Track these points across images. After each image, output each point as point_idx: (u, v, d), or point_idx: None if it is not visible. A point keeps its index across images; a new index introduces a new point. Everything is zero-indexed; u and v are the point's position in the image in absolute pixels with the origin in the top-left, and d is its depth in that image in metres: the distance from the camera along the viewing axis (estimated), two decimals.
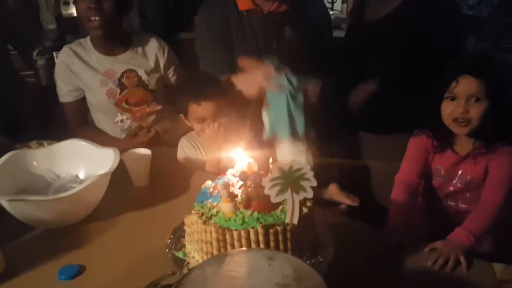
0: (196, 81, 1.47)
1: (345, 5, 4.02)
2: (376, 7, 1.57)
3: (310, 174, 0.81)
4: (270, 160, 0.89)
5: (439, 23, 1.46)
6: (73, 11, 3.43)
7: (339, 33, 3.40)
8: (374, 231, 1.16)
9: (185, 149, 1.54)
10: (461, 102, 1.19)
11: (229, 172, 0.94)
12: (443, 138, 1.28)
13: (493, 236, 1.25)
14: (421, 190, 1.35)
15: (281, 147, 1.39)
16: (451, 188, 1.30)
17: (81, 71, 1.63)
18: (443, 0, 1.52)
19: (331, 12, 4.79)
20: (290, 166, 0.81)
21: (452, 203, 1.32)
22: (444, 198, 1.33)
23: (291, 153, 1.35)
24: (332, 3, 6.10)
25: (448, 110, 1.22)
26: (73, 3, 1.63)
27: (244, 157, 0.92)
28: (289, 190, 0.82)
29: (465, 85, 1.19)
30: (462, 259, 1.02)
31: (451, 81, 1.20)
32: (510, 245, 1.27)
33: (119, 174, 1.28)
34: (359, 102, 1.59)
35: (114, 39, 1.62)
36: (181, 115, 1.51)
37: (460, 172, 1.28)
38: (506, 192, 1.18)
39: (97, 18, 1.52)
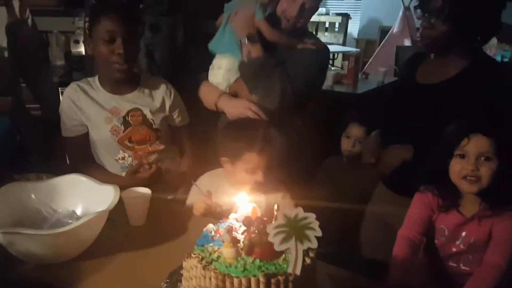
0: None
1: (346, 62, 4.12)
2: (433, 71, 1.57)
3: (315, 224, 0.80)
4: (275, 206, 0.89)
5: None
6: (82, 49, 3.52)
7: (339, 88, 3.53)
8: (375, 285, 1.13)
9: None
10: (472, 160, 1.19)
11: (232, 216, 0.93)
12: (449, 198, 1.27)
13: None
14: (422, 247, 1.33)
15: None
16: (454, 249, 1.28)
17: (87, 107, 1.64)
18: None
19: (331, 68, 4.94)
20: (296, 214, 0.80)
21: (454, 264, 1.30)
22: (446, 258, 1.30)
23: None
24: (333, 59, 6.32)
25: (458, 168, 1.21)
26: (87, 44, 1.64)
27: (248, 202, 0.91)
28: (293, 238, 0.80)
29: (476, 143, 1.19)
30: None
31: (462, 138, 1.21)
32: None
33: (116, 212, 1.26)
34: (390, 167, 1.59)
35: (124, 80, 1.65)
36: (224, 158, 1.47)
37: (464, 234, 1.26)
38: (510, 257, 1.16)
39: (124, 63, 1.57)
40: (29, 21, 1.94)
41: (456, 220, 1.26)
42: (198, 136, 1.85)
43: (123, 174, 1.64)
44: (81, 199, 1.31)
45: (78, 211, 1.31)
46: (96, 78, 1.69)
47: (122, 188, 1.34)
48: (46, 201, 1.30)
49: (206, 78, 1.83)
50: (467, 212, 1.25)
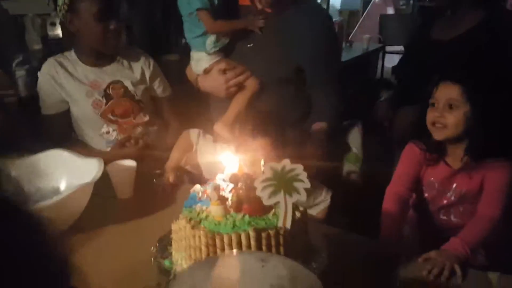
0: None
1: None
2: (446, 29, 1.57)
3: (303, 175, 0.78)
4: (262, 162, 0.87)
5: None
6: (59, 32, 3.43)
7: None
8: (368, 241, 1.13)
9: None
10: (440, 106, 1.19)
11: (219, 177, 0.91)
12: (435, 150, 1.27)
13: (486, 250, 1.23)
14: (412, 203, 1.33)
15: None
16: (445, 201, 1.28)
17: (66, 82, 1.59)
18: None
19: None
20: (283, 166, 0.78)
21: (444, 217, 1.30)
22: (436, 211, 1.31)
23: None
24: None
25: (430, 116, 1.21)
26: (68, 21, 1.56)
27: (234, 161, 0.89)
28: (282, 192, 0.79)
29: (444, 91, 1.19)
30: (457, 268, 1.00)
31: (433, 87, 1.21)
32: (503, 258, 1.24)
33: (103, 186, 1.24)
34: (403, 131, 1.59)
35: (102, 52, 1.60)
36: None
37: (454, 186, 1.26)
38: (503, 207, 1.16)
39: (118, 38, 1.55)
40: None
41: (445, 173, 1.26)
42: (182, 107, 1.82)
43: (108, 149, 1.60)
44: (65, 174, 1.28)
45: (62, 187, 1.28)
46: (72, 51, 1.64)
47: (108, 163, 1.31)
48: (29, 178, 1.27)
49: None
50: (455, 164, 1.25)
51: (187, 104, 1.85)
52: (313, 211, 1.46)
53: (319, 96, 1.62)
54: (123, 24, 1.58)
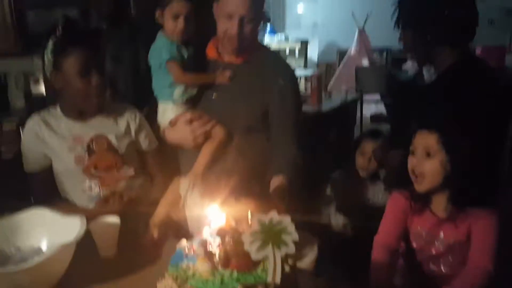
0: None
1: (309, 84, 4.18)
2: (424, 76, 1.69)
3: (291, 227, 0.78)
4: (249, 213, 0.86)
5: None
6: (42, 89, 3.44)
7: (304, 108, 3.57)
8: None
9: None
10: (418, 154, 1.21)
11: (206, 231, 0.90)
12: (419, 199, 1.27)
13: None
14: (401, 251, 1.32)
15: None
16: (433, 252, 1.27)
17: (49, 138, 1.59)
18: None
19: None
20: (271, 219, 0.78)
21: (434, 267, 1.29)
22: (426, 261, 1.30)
23: None
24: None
25: (409, 163, 1.23)
26: (53, 76, 1.58)
27: (221, 214, 0.89)
28: (270, 245, 0.78)
29: (421, 139, 1.21)
30: None
31: (412, 135, 1.24)
32: None
33: (85, 244, 1.21)
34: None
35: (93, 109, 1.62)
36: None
37: (441, 236, 1.25)
38: (493, 257, 1.16)
39: (101, 94, 1.57)
40: None
41: (431, 222, 1.26)
42: (168, 160, 1.81)
43: (91, 205, 1.57)
44: (46, 233, 1.25)
45: (44, 247, 1.24)
46: (58, 107, 1.65)
47: (91, 220, 1.29)
48: (8, 238, 1.23)
49: None
50: (440, 213, 1.25)
51: (173, 157, 1.84)
52: (301, 263, 1.44)
53: (278, 147, 1.64)
54: (106, 80, 1.59)
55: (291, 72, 1.79)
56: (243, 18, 1.56)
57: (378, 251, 1.25)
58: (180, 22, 1.61)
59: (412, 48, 1.64)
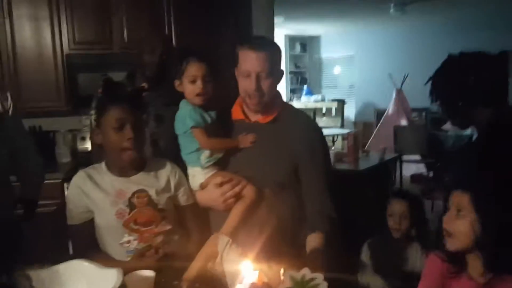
0: None
1: (345, 142, 4.22)
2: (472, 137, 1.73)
3: (324, 285, 0.77)
4: (281, 270, 0.86)
5: None
6: (88, 145, 3.64)
7: (341, 166, 3.57)
8: None
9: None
10: (451, 213, 1.21)
11: (239, 287, 0.90)
12: (455, 261, 1.23)
13: None
14: None
15: None
16: None
17: (93, 192, 1.66)
18: None
19: (332, 148, 5.05)
20: (303, 275, 0.78)
21: None
22: None
23: None
24: (333, 141, 6.48)
25: (443, 222, 1.22)
26: (95, 134, 1.70)
27: (252, 270, 0.89)
28: None
29: (455, 198, 1.21)
30: None
31: (448, 193, 1.24)
32: None
33: None
34: None
35: (133, 164, 1.69)
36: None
37: None
38: None
39: (135, 149, 1.63)
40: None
41: (469, 287, 1.21)
42: (205, 216, 1.84)
43: (128, 259, 1.60)
44: (84, 285, 1.28)
45: None
46: (103, 163, 1.73)
47: (127, 273, 1.31)
48: None
49: None
50: (478, 278, 1.19)
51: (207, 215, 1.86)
52: None
53: (311, 203, 1.65)
54: (141, 136, 1.66)
55: (318, 127, 1.84)
56: (260, 74, 1.64)
57: None
58: (198, 85, 1.68)
59: (449, 115, 1.69)
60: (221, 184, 1.68)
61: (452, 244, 1.19)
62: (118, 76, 2.96)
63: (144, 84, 2.26)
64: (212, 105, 1.74)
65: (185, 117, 1.69)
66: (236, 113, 1.80)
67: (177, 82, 1.73)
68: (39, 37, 3.38)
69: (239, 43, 1.71)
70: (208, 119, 1.71)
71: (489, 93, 1.55)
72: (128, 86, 2.28)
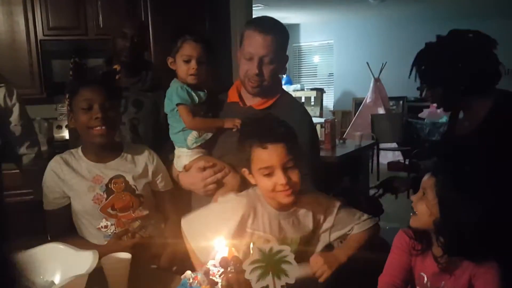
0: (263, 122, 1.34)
1: (323, 130, 4.25)
2: (464, 124, 1.65)
3: (291, 257, 0.81)
4: (251, 245, 0.89)
5: None
6: (65, 134, 3.59)
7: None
8: None
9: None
10: (419, 194, 1.26)
11: (210, 263, 0.93)
12: (421, 239, 1.27)
13: None
14: None
15: None
16: None
17: (70, 178, 1.66)
18: None
19: None
20: (271, 248, 0.81)
21: None
22: None
23: None
24: None
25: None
26: (69, 118, 1.70)
27: (225, 246, 0.92)
28: (270, 274, 0.81)
29: (424, 179, 1.26)
30: None
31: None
32: None
33: (97, 282, 1.24)
34: None
35: (107, 148, 1.70)
36: (244, 169, 1.36)
37: (443, 284, 1.24)
38: None
39: (103, 127, 1.61)
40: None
41: (433, 269, 1.24)
42: (183, 202, 1.85)
43: (105, 243, 1.61)
44: (60, 268, 1.29)
45: (57, 281, 1.27)
46: (79, 148, 1.73)
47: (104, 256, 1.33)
48: (24, 273, 1.27)
49: None
50: (440, 259, 1.23)
51: (188, 199, 1.87)
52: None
53: None
54: (112, 114, 1.64)
55: (311, 120, 1.81)
56: (263, 59, 1.59)
57: None
58: (193, 65, 1.65)
59: (437, 101, 1.66)
60: (203, 169, 1.66)
61: (413, 222, 1.25)
62: (95, 62, 2.93)
63: (117, 66, 2.25)
64: (203, 86, 1.71)
65: (172, 94, 1.67)
66: (232, 95, 1.75)
67: (170, 59, 1.70)
68: (12, 23, 3.30)
69: (245, 23, 1.68)
70: (196, 99, 1.68)
71: (476, 76, 1.52)
72: (103, 69, 2.27)
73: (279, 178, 1.23)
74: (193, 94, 1.68)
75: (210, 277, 0.86)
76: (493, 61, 1.55)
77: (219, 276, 0.87)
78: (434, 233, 1.22)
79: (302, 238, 1.33)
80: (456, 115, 1.73)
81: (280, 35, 1.64)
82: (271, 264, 0.81)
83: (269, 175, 1.25)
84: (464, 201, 1.16)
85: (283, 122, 1.33)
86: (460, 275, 1.20)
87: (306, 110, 1.84)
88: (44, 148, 3.59)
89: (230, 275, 0.84)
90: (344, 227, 1.38)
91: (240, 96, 1.74)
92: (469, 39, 1.56)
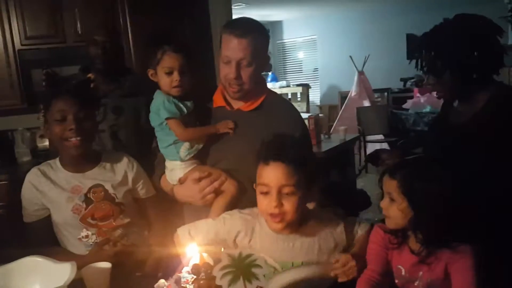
0: None
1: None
2: (459, 113, 1.62)
3: (261, 260, 0.81)
4: (222, 249, 0.90)
5: None
6: (47, 143, 3.56)
7: None
8: None
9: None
10: (385, 198, 1.25)
11: (184, 269, 0.93)
12: (396, 233, 1.27)
13: None
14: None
15: None
16: None
17: (48, 190, 1.65)
18: None
19: None
20: (240, 252, 0.81)
21: None
22: None
23: None
24: None
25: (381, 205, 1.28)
26: (45, 129, 1.69)
27: (198, 252, 0.92)
28: (241, 278, 0.81)
29: (385, 184, 1.26)
30: None
31: (380, 179, 1.28)
32: None
33: None
34: None
35: (85, 158, 1.68)
36: (255, 184, 1.31)
37: (420, 274, 1.25)
38: None
39: (78, 138, 1.59)
40: None
41: (410, 260, 1.26)
42: (166, 207, 1.84)
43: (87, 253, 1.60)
44: (38, 280, 1.28)
45: None
46: (57, 159, 1.72)
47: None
48: (2, 286, 1.27)
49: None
50: (416, 250, 1.24)
51: (172, 205, 1.86)
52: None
53: None
54: (86, 125, 1.62)
55: (301, 117, 1.78)
56: (240, 62, 1.55)
57: (361, 285, 1.25)
58: (175, 77, 1.57)
59: (442, 89, 1.59)
60: (199, 179, 1.59)
61: (389, 224, 1.25)
62: (75, 69, 2.91)
63: (90, 75, 2.23)
64: (188, 95, 1.63)
65: (159, 109, 1.58)
66: (218, 100, 1.69)
67: (150, 71, 1.62)
68: None
69: (222, 26, 1.61)
70: (184, 110, 1.60)
71: (485, 63, 1.49)
72: (78, 79, 2.25)
73: (271, 200, 1.20)
74: (181, 105, 1.60)
75: (182, 284, 0.86)
76: (499, 48, 1.52)
77: (191, 283, 0.87)
78: (411, 229, 1.23)
79: (306, 262, 1.30)
80: (451, 104, 1.69)
81: (258, 36, 1.59)
82: (241, 268, 0.81)
83: (266, 194, 1.22)
84: (434, 192, 1.17)
85: (298, 146, 1.30)
86: (436, 263, 1.21)
87: (294, 107, 1.82)
88: (28, 158, 3.59)
89: (201, 282, 0.84)
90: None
91: (226, 100, 1.69)
92: (479, 23, 1.52)
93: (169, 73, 1.57)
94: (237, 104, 1.68)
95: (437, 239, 1.19)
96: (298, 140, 1.42)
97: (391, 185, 1.22)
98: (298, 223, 1.26)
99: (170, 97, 1.59)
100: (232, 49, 1.55)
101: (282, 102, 1.80)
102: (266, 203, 1.19)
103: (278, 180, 1.18)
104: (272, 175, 1.20)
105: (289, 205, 1.18)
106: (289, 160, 1.18)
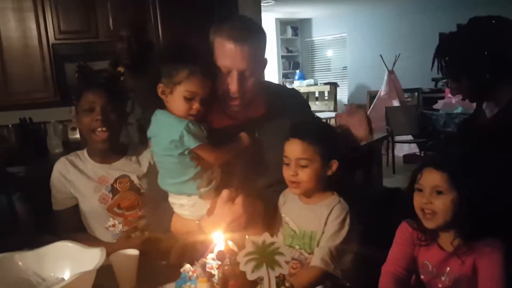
0: None
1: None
2: (485, 113, 1.62)
3: (284, 248, 0.82)
4: (247, 236, 0.91)
5: None
6: (78, 135, 3.66)
7: None
8: None
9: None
10: (426, 193, 1.21)
11: (209, 256, 0.94)
12: (427, 231, 1.25)
13: None
14: (412, 284, 1.30)
15: None
16: (440, 285, 1.24)
17: (76, 179, 1.70)
18: None
19: None
20: (263, 240, 0.82)
21: None
22: None
23: None
24: None
25: (416, 201, 1.23)
26: (75, 120, 1.74)
27: (223, 239, 0.93)
28: (264, 265, 0.82)
29: (428, 177, 1.21)
30: None
31: (419, 172, 1.24)
32: None
33: (107, 279, 1.26)
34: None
35: (112, 150, 1.73)
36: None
37: (448, 269, 1.23)
38: None
39: (104, 129, 1.64)
40: None
41: (438, 256, 1.24)
42: None
43: (114, 241, 1.65)
44: (69, 265, 1.31)
45: (66, 277, 1.31)
46: (85, 150, 1.77)
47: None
48: (35, 270, 1.31)
49: None
50: (447, 247, 1.23)
51: None
52: None
53: None
54: (113, 117, 1.65)
55: (302, 98, 1.76)
56: (244, 72, 1.36)
57: (385, 280, 1.23)
58: (195, 105, 1.33)
59: (463, 92, 1.61)
60: (232, 199, 1.35)
61: (432, 223, 1.20)
62: (106, 64, 2.98)
63: (120, 68, 2.28)
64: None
65: (182, 136, 1.29)
66: (224, 119, 1.47)
67: (162, 87, 1.36)
68: (24, 28, 3.39)
69: (213, 28, 1.40)
70: (205, 133, 1.35)
71: (502, 63, 1.48)
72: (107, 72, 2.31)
73: (290, 170, 1.36)
74: (202, 127, 1.36)
75: (207, 270, 0.87)
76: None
77: (216, 268, 0.88)
78: (449, 225, 1.20)
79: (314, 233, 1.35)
80: (481, 105, 1.68)
81: (258, 40, 1.40)
82: (264, 256, 0.82)
83: (287, 165, 1.37)
84: (483, 184, 1.16)
85: (317, 125, 1.48)
86: (465, 258, 1.20)
87: (290, 89, 1.78)
88: (59, 150, 3.70)
89: (226, 268, 0.86)
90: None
91: (230, 117, 1.49)
92: (492, 25, 1.52)
93: (190, 99, 1.32)
94: (245, 114, 1.48)
95: (481, 232, 1.17)
96: (313, 121, 1.59)
97: (437, 178, 1.19)
98: (319, 196, 1.40)
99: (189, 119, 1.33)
100: (232, 57, 1.34)
101: (279, 92, 1.63)
102: (287, 172, 1.38)
103: (295, 153, 1.35)
104: (290, 149, 1.36)
105: (304, 175, 1.35)
106: (304, 137, 1.34)
